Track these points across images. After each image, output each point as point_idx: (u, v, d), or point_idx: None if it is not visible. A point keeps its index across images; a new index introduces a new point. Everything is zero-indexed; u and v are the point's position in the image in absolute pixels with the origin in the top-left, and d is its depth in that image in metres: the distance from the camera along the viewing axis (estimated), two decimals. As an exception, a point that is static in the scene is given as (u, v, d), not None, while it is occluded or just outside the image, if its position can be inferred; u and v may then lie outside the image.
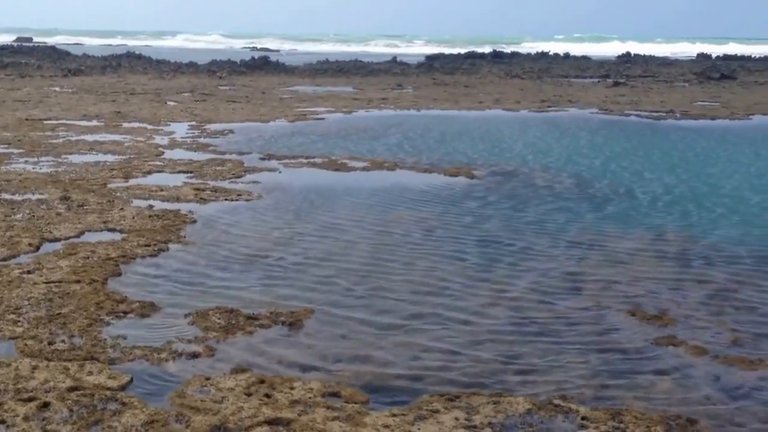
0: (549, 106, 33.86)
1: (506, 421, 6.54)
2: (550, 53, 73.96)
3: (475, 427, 6.41)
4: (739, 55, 75.61)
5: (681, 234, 12.95)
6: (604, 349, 8.20)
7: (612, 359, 7.96)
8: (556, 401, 6.90)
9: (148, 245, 11.40)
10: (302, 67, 57.29)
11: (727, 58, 72.43)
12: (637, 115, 30.79)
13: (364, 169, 18.53)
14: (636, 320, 9.05)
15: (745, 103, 35.14)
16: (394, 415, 6.57)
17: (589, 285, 10.32)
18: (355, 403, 6.78)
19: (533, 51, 77.33)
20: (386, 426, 6.37)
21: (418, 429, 6.37)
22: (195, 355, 7.75)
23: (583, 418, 6.59)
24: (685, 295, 9.97)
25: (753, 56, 73.90)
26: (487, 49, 76.66)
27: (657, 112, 31.80)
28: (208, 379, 7.20)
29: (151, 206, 13.88)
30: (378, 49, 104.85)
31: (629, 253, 11.80)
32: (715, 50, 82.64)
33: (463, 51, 76.12)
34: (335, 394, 6.97)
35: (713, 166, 19.80)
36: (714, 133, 26.11)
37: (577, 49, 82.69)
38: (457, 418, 6.53)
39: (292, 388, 7.02)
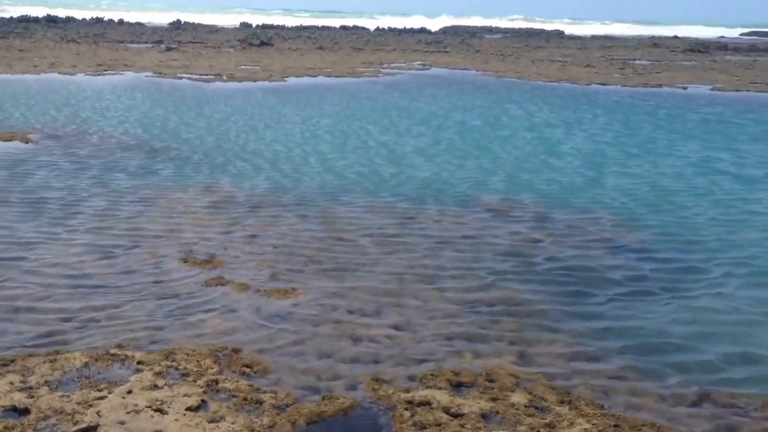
0: (105, 70, 32.50)
1: (63, 377, 6.21)
2: (105, 19, 70.93)
3: (30, 387, 5.99)
4: (275, 24, 78.88)
5: (228, 185, 13.26)
6: (160, 296, 8.14)
7: (167, 304, 7.92)
8: (112, 351, 6.70)
9: None
10: None
11: (265, 27, 75.25)
12: (189, 78, 30.77)
13: None
14: (188, 266, 9.10)
15: (281, 66, 36.82)
16: (-59, 389, 5.90)
17: (147, 238, 10.16)
18: None
19: (88, 17, 73.40)
20: (-67, 401, 5.69)
21: (-31, 399, 5.79)
22: None
23: (138, 363, 6.50)
24: (232, 239, 10.24)
25: (287, 26, 77.62)
26: (41, 13, 71.12)
27: (206, 75, 32.05)
28: None
29: None
30: None
31: (184, 205, 11.81)
32: (257, 20, 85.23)
33: (15, 15, 69.78)
34: None
35: (263, 126, 20.50)
36: (258, 93, 27.01)
37: (131, 16, 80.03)
38: (11, 382, 6.05)
39: None
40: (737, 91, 31.85)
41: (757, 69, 43.07)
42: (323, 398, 6.02)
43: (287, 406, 5.89)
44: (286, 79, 31.94)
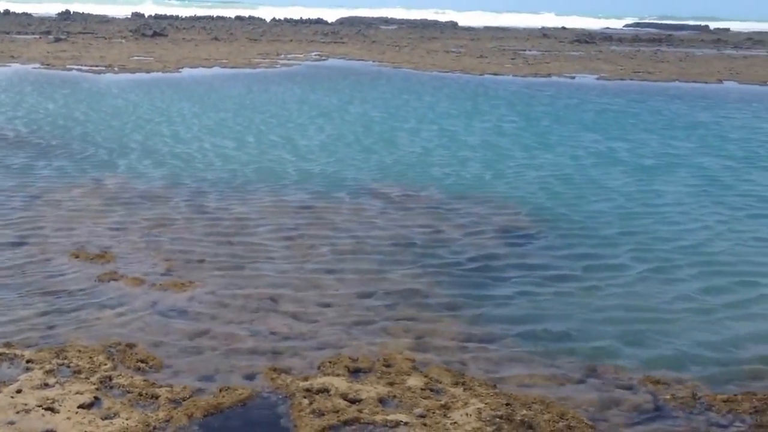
0: (-10, 62, 31.16)
1: (-53, 378, 5.94)
2: (-10, 10, 67.73)
3: None
4: (168, 14, 77.11)
5: (122, 180, 12.93)
6: (50, 293, 7.86)
7: (57, 301, 7.66)
8: (0, 350, 6.44)
9: None
10: None
11: (158, 17, 73.47)
12: (79, 70, 29.78)
13: None
14: (80, 261, 8.83)
15: (175, 57, 36.02)
16: None
17: (36, 235, 9.80)
18: None
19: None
20: None
21: None
22: None
23: (28, 361, 6.27)
24: (126, 233, 9.99)
25: (181, 16, 76.02)
26: None
27: (98, 66, 31.08)
28: None
29: None
30: None
31: (75, 201, 11.45)
32: (150, 9, 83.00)
33: None
34: None
35: (157, 119, 20.02)
36: (152, 84, 26.35)
37: (17, 7, 76.58)
38: None
39: None
40: (621, 80, 33.02)
41: (639, 59, 44.73)
42: (221, 390, 5.95)
43: (184, 399, 5.80)
44: (180, 70, 31.30)
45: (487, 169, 14.75)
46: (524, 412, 5.76)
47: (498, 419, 5.64)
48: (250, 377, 6.24)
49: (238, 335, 7.01)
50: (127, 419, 5.47)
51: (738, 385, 6.40)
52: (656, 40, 65.76)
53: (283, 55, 40.14)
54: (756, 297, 8.43)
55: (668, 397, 6.15)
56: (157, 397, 5.80)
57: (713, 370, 6.66)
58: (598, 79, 33.24)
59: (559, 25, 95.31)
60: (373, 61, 38.76)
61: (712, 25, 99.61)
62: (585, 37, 63.78)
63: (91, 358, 6.37)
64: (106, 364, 6.28)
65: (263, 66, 34.28)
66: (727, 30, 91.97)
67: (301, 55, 40.91)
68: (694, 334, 7.38)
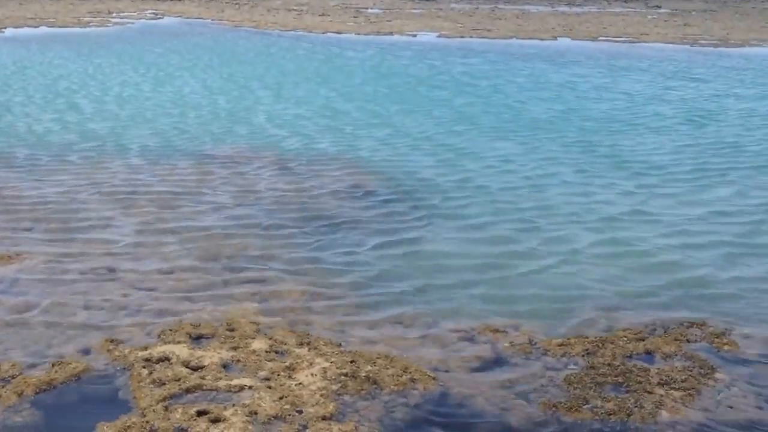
0: None
1: None
2: None
3: None
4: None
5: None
6: None
7: None
8: None
9: None
10: None
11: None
12: None
13: None
14: None
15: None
16: None
17: None
18: None
19: None
20: None
21: None
22: None
23: None
24: (-57, 205, 9.32)
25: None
26: None
27: None
28: None
29: None
30: None
31: None
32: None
33: None
34: None
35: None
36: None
37: None
38: None
39: None
40: (462, 37, 33.67)
41: (477, 16, 45.78)
42: (53, 365, 5.68)
43: (13, 377, 5.49)
44: (2, 30, 29.34)
45: (342, 134, 14.40)
46: (369, 368, 5.84)
47: (343, 377, 5.69)
48: (85, 351, 5.99)
49: (71, 307, 6.70)
50: (-52, 404, 5.14)
51: (571, 330, 6.72)
52: (494, -2, 67.45)
53: (115, 14, 38.36)
54: (593, 250, 8.82)
55: (507, 344, 6.39)
56: (-18, 378, 5.47)
57: (549, 318, 6.95)
58: (439, 36, 33.74)
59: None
60: (212, 20, 37.76)
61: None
62: (426, -5, 64.56)
63: None
64: None
65: (94, 25, 32.69)
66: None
67: (135, 14, 39.25)
68: (533, 286, 7.63)
